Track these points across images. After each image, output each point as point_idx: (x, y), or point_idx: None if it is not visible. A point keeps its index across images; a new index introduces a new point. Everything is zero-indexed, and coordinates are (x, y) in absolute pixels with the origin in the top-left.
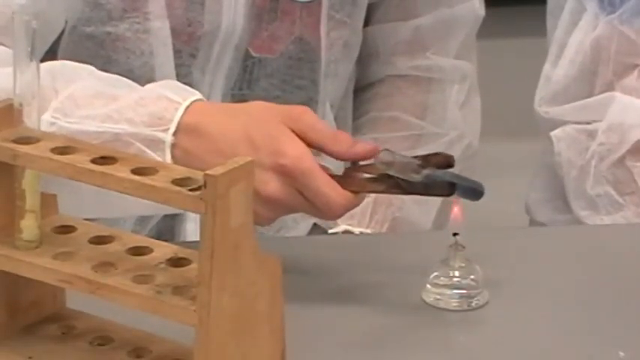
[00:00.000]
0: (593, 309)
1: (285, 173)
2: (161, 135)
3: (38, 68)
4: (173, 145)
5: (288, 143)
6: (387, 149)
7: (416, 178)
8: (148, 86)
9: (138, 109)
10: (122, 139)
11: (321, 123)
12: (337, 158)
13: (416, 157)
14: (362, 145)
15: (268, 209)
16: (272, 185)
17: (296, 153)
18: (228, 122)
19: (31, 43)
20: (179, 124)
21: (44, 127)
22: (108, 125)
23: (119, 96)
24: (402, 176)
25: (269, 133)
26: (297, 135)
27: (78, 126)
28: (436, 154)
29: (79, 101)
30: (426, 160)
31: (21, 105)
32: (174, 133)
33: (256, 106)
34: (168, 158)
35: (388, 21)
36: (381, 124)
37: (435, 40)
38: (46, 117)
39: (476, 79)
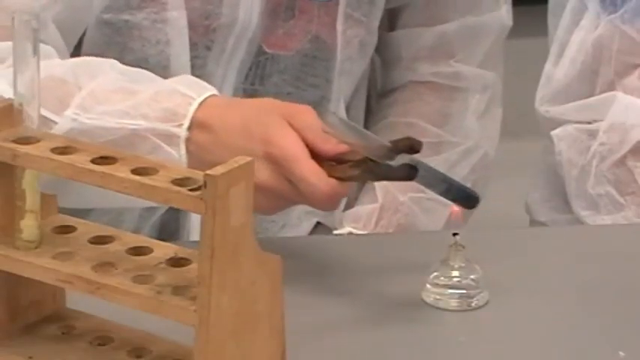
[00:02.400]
0: (593, 309)
1: (273, 161)
2: (176, 130)
3: (39, 68)
4: (187, 140)
5: (278, 133)
6: (333, 113)
7: (391, 163)
8: (166, 81)
9: (152, 105)
10: (139, 134)
11: (318, 124)
12: (324, 155)
13: (390, 141)
14: (345, 146)
15: (264, 198)
16: (262, 173)
17: (284, 141)
18: (229, 115)
19: (31, 42)
20: (192, 119)
21: (66, 123)
22: (125, 121)
23: (137, 91)
24: (377, 160)
25: (264, 123)
26: (295, 131)
27: (97, 122)
28: (404, 138)
29: (99, 97)
30: (395, 144)
31: (21, 105)
32: (189, 128)
33: (261, 102)
34: (183, 152)
35: (413, 26)
36: (397, 130)
37: (459, 47)
38: (68, 113)
39: (500, 90)
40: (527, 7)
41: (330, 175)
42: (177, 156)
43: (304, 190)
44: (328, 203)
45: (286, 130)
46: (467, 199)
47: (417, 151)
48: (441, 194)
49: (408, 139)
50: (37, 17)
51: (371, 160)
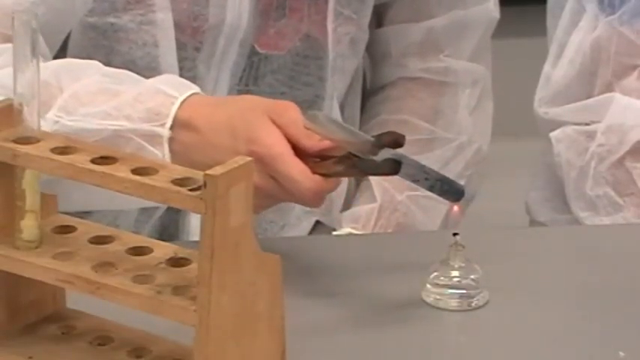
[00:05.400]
0: (593, 309)
1: (258, 160)
2: (159, 130)
3: (39, 68)
4: (171, 140)
5: (262, 131)
6: (315, 111)
7: (375, 158)
8: (149, 81)
9: (136, 105)
10: (122, 135)
11: (302, 120)
12: (307, 152)
13: (373, 136)
14: (328, 142)
15: None
16: None
17: (268, 140)
18: (214, 113)
19: (30, 42)
20: (175, 118)
21: (48, 126)
22: (108, 122)
23: (120, 92)
24: (361, 155)
25: (248, 122)
26: (279, 128)
27: (80, 124)
28: (387, 133)
29: (82, 99)
30: (379, 139)
31: (21, 105)
32: (172, 128)
33: (245, 99)
34: (166, 152)
35: (400, 22)
36: (390, 128)
37: (448, 42)
38: (50, 115)
39: (489, 83)
40: (527, 7)
41: (315, 172)
42: (161, 156)
43: (289, 188)
44: (313, 200)
45: (270, 128)
46: (453, 192)
47: (401, 146)
48: (427, 188)
49: (391, 133)
50: (37, 17)
51: (355, 155)
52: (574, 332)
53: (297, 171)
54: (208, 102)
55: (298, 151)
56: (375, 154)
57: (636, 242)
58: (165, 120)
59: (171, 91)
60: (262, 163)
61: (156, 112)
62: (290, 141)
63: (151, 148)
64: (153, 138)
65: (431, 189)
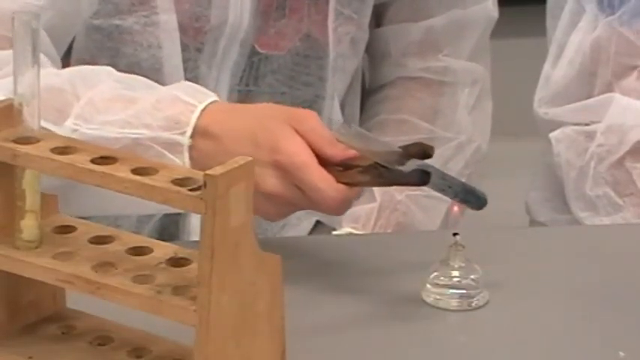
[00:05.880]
0: (593, 309)
1: (281, 168)
2: (179, 138)
3: (39, 68)
4: (191, 148)
5: (285, 140)
6: (345, 123)
7: (402, 168)
8: (164, 88)
9: (155, 114)
10: (141, 143)
11: (324, 128)
12: (332, 160)
13: (400, 147)
14: (353, 151)
15: (271, 205)
16: (270, 181)
17: (292, 149)
18: (233, 122)
19: (31, 42)
20: (195, 126)
21: (66, 134)
22: (127, 131)
23: (137, 99)
24: (388, 166)
25: (270, 130)
26: (301, 136)
27: (98, 132)
28: (415, 143)
29: (99, 106)
30: (407, 149)
31: (21, 105)
32: (192, 136)
33: (264, 107)
34: (186, 160)
35: (399, 21)
36: (389, 127)
37: (447, 41)
38: (68, 124)
39: (488, 83)
40: (527, 7)
41: (339, 181)
42: (180, 164)
43: (313, 197)
44: (337, 209)
45: (293, 137)
46: (476, 200)
47: (429, 156)
48: (452, 197)
49: (420, 144)
50: (37, 17)
51: (381, 165)
52: (574, 332)
53: (322, 180)
54: (226, 109)
55: (321, 159)
56: (402, 164)
57: (636, 242)
58: (185, 128)
59: (189, 98)
60: (286, 171)
61: (175, 120)
62: (313, 149)
63: (171, 156)
64: (173, 146)
65: (455, 197)
